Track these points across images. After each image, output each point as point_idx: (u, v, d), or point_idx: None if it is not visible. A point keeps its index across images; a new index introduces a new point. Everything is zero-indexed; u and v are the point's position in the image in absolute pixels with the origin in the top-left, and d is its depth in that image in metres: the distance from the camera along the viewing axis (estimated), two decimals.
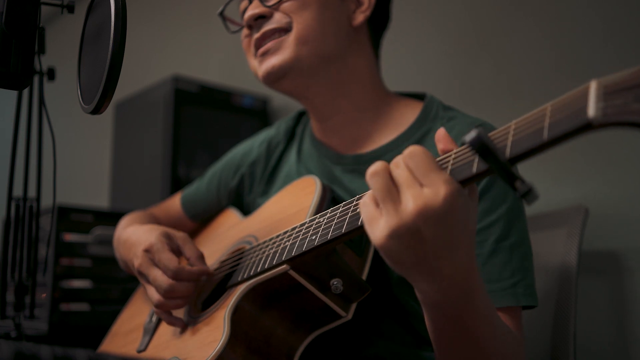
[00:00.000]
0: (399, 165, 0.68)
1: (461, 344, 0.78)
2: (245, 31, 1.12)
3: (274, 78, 1.08)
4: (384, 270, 0.99)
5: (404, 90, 1.20)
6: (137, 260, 1.03)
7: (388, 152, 1.08)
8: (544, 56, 1.68)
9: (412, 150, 0.67)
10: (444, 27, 1.94)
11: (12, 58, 0.78)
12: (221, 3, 1.19)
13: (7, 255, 1.13)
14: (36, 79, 1.14)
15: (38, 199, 1.15)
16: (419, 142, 1.06)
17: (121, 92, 1.60)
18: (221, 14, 1.19)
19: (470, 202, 0.68)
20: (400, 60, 1.95)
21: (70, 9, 0.95)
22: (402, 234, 0.65)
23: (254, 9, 1.08)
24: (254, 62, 1.12)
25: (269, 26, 1.07)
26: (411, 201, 0.64)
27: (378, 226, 0.67)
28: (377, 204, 0.68)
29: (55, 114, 1.13)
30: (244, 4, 1.14)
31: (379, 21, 1.16)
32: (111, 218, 1.87)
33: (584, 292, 1.42)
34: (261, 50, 1.08)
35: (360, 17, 1.10)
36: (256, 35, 1.08)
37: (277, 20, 1.06)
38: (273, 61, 1.06)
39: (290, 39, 1.05)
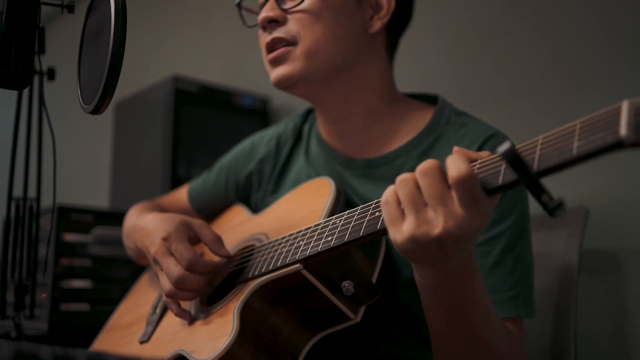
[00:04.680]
0: (434, 175, 0.68)
1: (454, 328, 0.81)
2: (260, 30, 1.11)
3: (283, 86, 1.08)
4: (392, 275, 0.99)
5: (415, 92, 1.18)
6: (153, 247, 1.03)
7: (399, 157, 1.07)
8: (544, 56, 1.68)
9: (463, 172, 0.67)
10: (443, 27, 1.94)
11: (12, 58, 0.78)
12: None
13: (7, 255, 1.13)
14: (36, 79, 1.13)
15: (38, 199, 1.15)
16: (430, 147, 1.05)
17: (121, 92, 1.60)
18: (239, 4, 1.17)
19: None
20: (399, 59, 1.94)
21: (70, 9, 0.95)
22: (426, 243, 0.69)
23: (267, 12, 1.06)
24: (267, 64, 1.11)
25: (277, 34, 1.05)
26: (442, 219, 0.67)
27: (400, 228, 0.70)
28: (399, 205, 0.71)
29: (55, 114, 1.13)
30: (261, 0, 1.12)
31: (398, 24, 1.13)
32: (111, 218, 1.87)
33: (584, 292, 1.42)
34: (270, 57, 1.07)
35: (377, 24, 1.08)
36: (266, 40, 1.07)
37: (287, 30, 1.05)
38: (282, 70, 1.05)
39: (298, 51, 1.04)
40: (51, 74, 1.17)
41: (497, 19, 1.80)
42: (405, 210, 0.70)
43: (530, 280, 0.97)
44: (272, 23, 1.06)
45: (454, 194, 0.67)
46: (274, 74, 1.07)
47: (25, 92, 1.14)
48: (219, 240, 1.04)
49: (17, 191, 1.13)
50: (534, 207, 1.50)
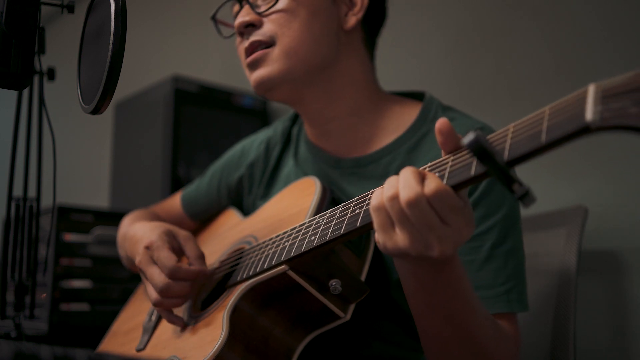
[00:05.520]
0: (420, 206, 0.68)
1: (436, 313, 0.82)
2: (238, 37, 1.11)
3: (263, 89, 1.07)
4: (383, 272, 0.99)
5: (403, 90, 1.19)
6: (138, 256, 1.03)
7: (386, 155, 1.07)
8: (544, 56, 1.68)
9: (439, 191, 0.68)
10: (443, 27, 1.94)
11: (12, 58, 0.78)
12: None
13: (7, 255, 1.13)
14: (36, 79, 1.14)
15: (38, 199, 1.15)
16: (418, 144, 1.05)
17: (121, 92, 1.60)
18: (214, 18, 1.17)
19: None
20: (399, 60, 1.95)
21: (70, 9, 0.95)
22: (418, 257, 0.71)
23: (243, 17, 1.06)
24: (246, 69, 1.10)
25: (255, 37, 1.05)
26: (437, 243, 0.69)
27: (391, 237, 0.71)
28: (388, 213, 0.71)
29: (55, 114, 1.13)
30: (235, 8, 1.13)
31: (373, 21, 1.14)
32: (111, 218, 1.87)
33: (584, 292, 1.42)
34: (248, 60, 1.06)
35: (352, 20, 1.08)
36: (244, 45, 1.07)
37: (263, 32, 1.05)
38: (261, 72, 1.05)
39: (276, 52, 1.04)
40: (51, 74, 1.17)
41: (497, 19, 1.80)
42: (397, 226, 0.70)
43: (523, 275, 0.96)
44: (249, 28, 1.06)
45: (440, 214, 0.69)
46: (254, 76, 1.06)
47: (25, 92, 1.14)
48: (200, 257, 1.03)
49: (17, 191, 1.13)
50: (532, 206, 1.51)
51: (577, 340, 1.23)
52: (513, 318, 0.94)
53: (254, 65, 1.06)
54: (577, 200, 1.47)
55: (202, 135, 2.31)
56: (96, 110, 0.78)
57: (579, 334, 1.31)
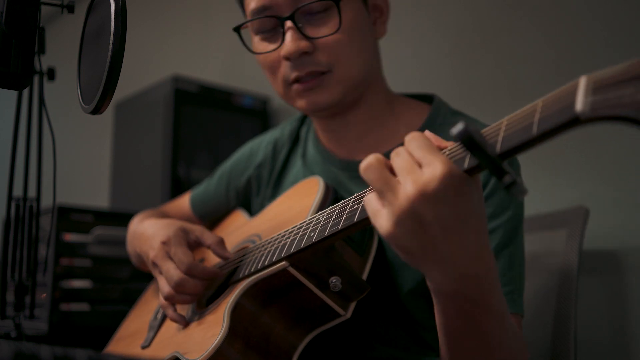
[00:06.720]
0: (400, 153, 0.68)
1: (470, 339, 0.76)
2: (282, 60, 1.05)
3: (315, 111, 1.07)
4: (390, 277, 0.99)
5: (410, 92, 1.19)
6: (152, 251, 1.04)
7: None
8: (544, 56, 1.68)
9: (412, 134, 0.68)
10: (443, 27, 1.94)
11: (12, 58, 0.78)
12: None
13: (7, 255, 1.13)
14: (36, 79, 1.14)
15: (38, 199, 1.15)
16: None
17: (121, 92, 1.60)
18: (238, 29, 1.12)
19: (474, 185, 0.67)
20: (399, 60, 1.95)
21: (70, 9, 0.95)
22: (404, 220, 0.64)
23: (297, 45, 1.01)
24: (284, 89, 1.07)
25: (312, 68, 1.02)
26: (410, 184, 0.64)
27: (381, 217, 0.67)
28: (379, 197, 0.68)
29: (55, 114, 1.13)
30: (256, 5, 1.06)
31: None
32: (111, 218, 1.87)
33: (584, 291, 1.42)
34: (307, 86, 1.03)
35: (382, 29, 1.10)
36: (294, 74, 1.03)
37: (319, 62, 1.01)
38: (318, 99, 1.04)
39: (334, 79, 1.02)
40: (51, 74, 1.17)
41: (497, 19, 1.80)
42: (379, 195, 0.67)
43: (523, 278, 0.96)
44: (303, 55, 1.02)
45: (414, 156, 0.67)
46: (308, 100, 1.04)
47: (25, 92, 1.14)
48: (221, 242, 1.04)
49: (17, 191, 1.13)
50: (533, 207, 1.51)
51: (577, 339, 1.23)
52: (519, 319, 0.94)
53: (310, 90, 1.04)
54: (578, 201, 1.47)
55: (202, 135, 2.31)
56: (96, 110, 0.78)
57: (580, 333, 1.31)
